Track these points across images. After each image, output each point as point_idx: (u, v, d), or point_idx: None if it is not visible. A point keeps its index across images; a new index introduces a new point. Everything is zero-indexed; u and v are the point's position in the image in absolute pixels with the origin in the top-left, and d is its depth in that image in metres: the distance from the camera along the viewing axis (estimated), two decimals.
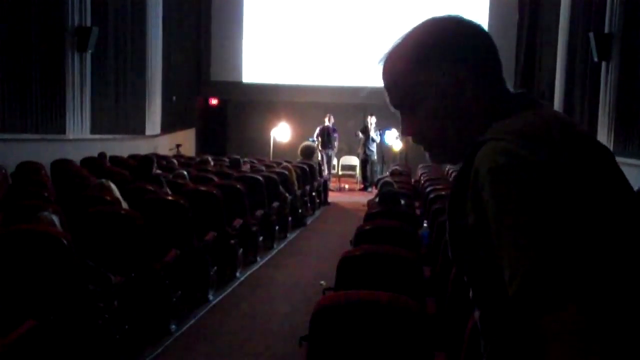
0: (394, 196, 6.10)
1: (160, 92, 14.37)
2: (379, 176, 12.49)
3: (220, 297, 5.86)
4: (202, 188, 6.69)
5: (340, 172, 15.30)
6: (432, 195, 7.33)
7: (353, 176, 15.41)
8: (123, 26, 12.47)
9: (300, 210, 9.94)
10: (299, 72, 16.52)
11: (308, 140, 13.57)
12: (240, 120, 16.92)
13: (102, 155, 9.74)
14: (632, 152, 8.95)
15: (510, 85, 1.35)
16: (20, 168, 7.96)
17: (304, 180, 10.74)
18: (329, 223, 10.55)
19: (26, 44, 9.20)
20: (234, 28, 16.76)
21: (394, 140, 14.86)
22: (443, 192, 7.58)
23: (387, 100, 1.38)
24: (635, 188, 4.37)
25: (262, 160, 12.42)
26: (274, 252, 7.97)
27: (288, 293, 6.26)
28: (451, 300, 3.41)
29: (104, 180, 5.49)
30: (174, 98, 15.44)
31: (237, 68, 16.82)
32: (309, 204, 10.88)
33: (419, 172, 12.07)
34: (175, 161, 10.71)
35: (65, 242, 3.66)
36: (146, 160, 7.36)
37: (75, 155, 9.65)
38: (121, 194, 5.37)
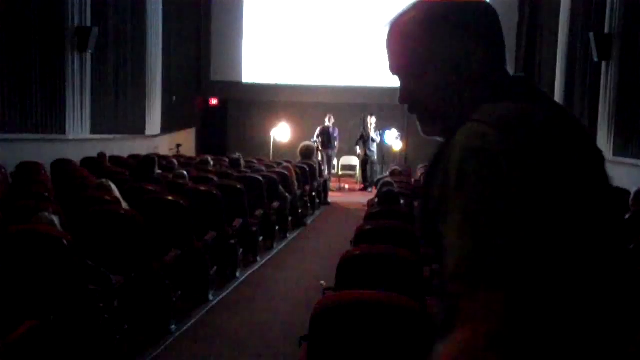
0: (394, 196, 6.10)
1: (160, 92, 14.37)
2: (379, 176, 12.49)
3: (220, 297, 5.86)
4: (202, 188, 6.69)
5: (340, 172, 15.30)
6: None
7: (353, 176, 15.41)
8: (123, 26, 12.47)
9: (300, 210, 9.94)
10: (299, 72, 16.52)
11: (310, 141, 13.57)
12: (240, 120, 16.92)
13: (102, 155, 9.74)
14: (632, 152, 8.95)
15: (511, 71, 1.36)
16: (20, 168, 7.96)
17: (304, 180, 10.74)
18: (329, 223, 10.55)
19: (26, 44, 9.20)
20: (234, 28, 16.76)
21: (394, 140, 14.85)
22: None
23: (388, 64, 1.37)
24: (635, 188, 4.34)
25: (262, 160, 12.41)
26: (274, 252, 7.97)
27: (288, 293, 6.26)
28: None
29: (104, 180, 5.49)
30: (174, 98, 15.44)
31: (237, 68, 16.81)
32: (309, 204, 10.88)
33: (419, 172, 12.07)
34: (175, 161, 10.70)
35: (65, 242, 3.65)
36: (148, 161, 7.35)
37: (75, 155, 9.65)
38: (121, 194, 5.37)
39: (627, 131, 9.23)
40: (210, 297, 5.71)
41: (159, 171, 7.80)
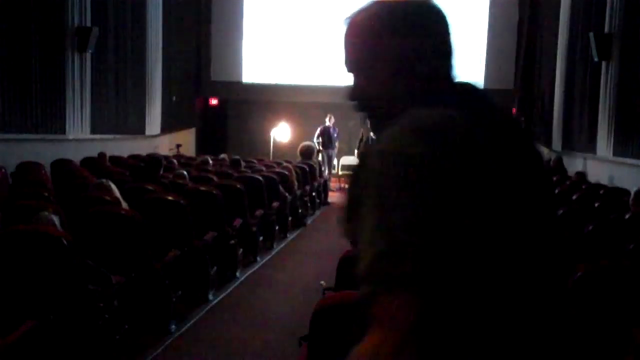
0: None
1: (160, 92, 14.37)
2: None
3: (220, 297, 5.86)
4: (202, 188, 6.69)
5: (340, 172, 15.29)
6: None
7: None
8: (123, 26, 12.47)
9: (300, 210, 9.94)
10: (299, 72, 16.52)
11: (314, 141, 13.56)
12: (240, 120, 16.91)
13: (102, 155, 9.74)
14: (632, 152, 8.94)
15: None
16: (20, 168, 7.96)
17: (304, 180, 10.74)
18: (329, 223, 10.53)
19: (26, 44, 9.19)
20: (233, 28, 16.76)
21: None
22: None
23: (343, 60, 1.43)
24: (635, 188, 4.35)
25: (262, 160, 12.41)
26: (274, 252, 7.97)
27: (288, 293, 6.26)
28: None
29: (104, 180, 5.48)
30: (174, 98, 15.44)
31: (237, 68, 16.81)
32: (309, 204, 10.88)
33: None
34: (175, 161, 10.70)
35: (65, 242, 3.65)
36: (155, 162, 7.34)
37: (75, 155, 9.65)
38: (121, 194, 5.37)
39: (627, 131, 9.23)
40: (210, 297, 5.71)
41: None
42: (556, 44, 13.27)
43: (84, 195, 5.40)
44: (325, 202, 12.30)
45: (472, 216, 1.10)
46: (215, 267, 5.87)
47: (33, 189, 5.94)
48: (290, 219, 9.23)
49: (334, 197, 13.11)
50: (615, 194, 7.38)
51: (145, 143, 13.38)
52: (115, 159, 10.18)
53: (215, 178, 8.02)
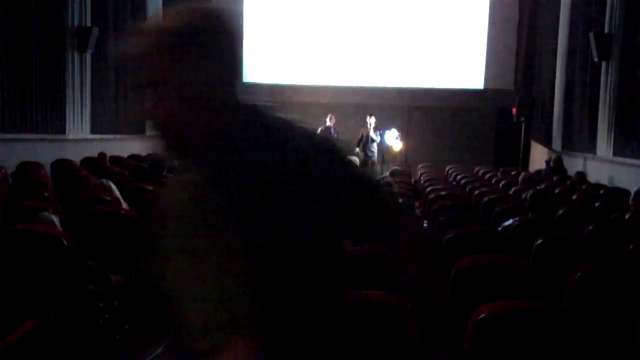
0: (394, 196, 6.09)
1: None
2: (379, 176, 12.48)
3: None
4: None
5: None
6: (432, 195, 7.33)
7: None
8: (123, 26, 12.47)
9: None
10: (299, 72, 16.52)
11: None
12: None
13: (102, 155, 9.74)
14: (632, 152, 8.95)
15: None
16: (20, 168, 7.96)
17: None
18: None
19: (26, 44, 9.20)
20: None
21: (393, 140, 14.86)
22: (443, 192, 7.59)
23: (140, 73, 1.34)
24: (635, 188, 4.34)
25: None
26: None
27: None
28: (451, 301, 3.40)
29: (104, 180, 5.48)
30: None
31: (237, 68, 16.77)
32: None
33: (419, 172, 12.07)
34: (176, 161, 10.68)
35: (65, 242, 3.65)
36: (159, 163, 7.32)
37: (75, 155, 9.65)
38: (121, 194, 5.37)
39: (627, 131, 9.23)
40: None
41: None
42: (556, 44, 13.28)
43: (84, 195, 5.40)
44: None
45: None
46: None
47: (33, 189, 5.94)
48: None
49: None
50: (615, 194, 7.38)
51: (145, 143, 13.37)
52: (115, 159, 10.18)
53: None
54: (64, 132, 10.21)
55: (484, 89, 16.02)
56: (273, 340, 1.13)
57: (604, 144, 9.99)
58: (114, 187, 5.33)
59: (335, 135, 14.52)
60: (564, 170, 10.79)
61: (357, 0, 16.40)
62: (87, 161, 9.46)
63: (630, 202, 5.60)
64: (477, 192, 7.53)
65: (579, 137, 11.72)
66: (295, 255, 1.27)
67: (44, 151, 9.17)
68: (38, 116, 9.59)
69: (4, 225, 4.24)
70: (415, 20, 16.13)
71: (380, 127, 14.48)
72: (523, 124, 14.66)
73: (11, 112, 8.97)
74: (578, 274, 3.17)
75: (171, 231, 1.13)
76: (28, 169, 7.87)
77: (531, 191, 5.03)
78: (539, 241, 3.99)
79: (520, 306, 2.60)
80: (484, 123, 16.24)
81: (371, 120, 14.29)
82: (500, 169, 11.47)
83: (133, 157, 11.01)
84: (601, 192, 7.65)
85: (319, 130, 14.31)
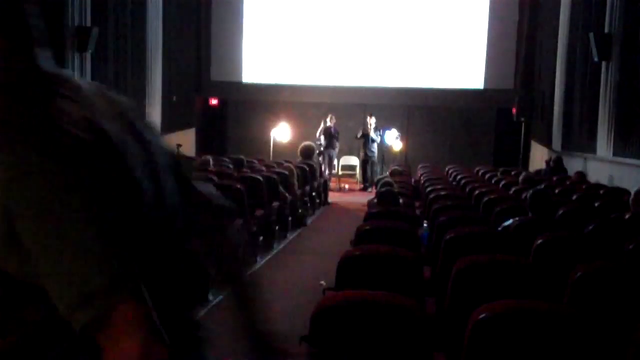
0: (393, 196, 6.10)
1: (160, 92, 14.36)
2: (378, 176, 12.49)
3: (220, 296, 5.86)
4: None
5: (340, 172, 15.30)
6: (432, 195, 7.33)
7: (353, 176, 15.41)
8: (123, 26, 12.47)
9: (300, 210, 9.94)
10: (299, 72, 16.52)
11: (316, 143, 13.57)
12: (240, 120, 16.91)
13: None
14: (632, 152, 8.95)
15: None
16: None
17: (304, 181, 10.74)
18: (329, 223, 10.55)
19: None
20: (234, 28, 16.75)
21: (393, 140, 14.87)
22: (443, 192, 7.59)
23: None
24: (636, 188, 4.34)
25: (262, 160, 12.42)
26: (274, 252, 7.97)
27: (288, 293, 6.25)
28: (451, 301, 3.41)
29: None
30: (174, 98, 15.44)
31: (237, 68, 16.81)
32: (309, 204, 10.88)
33: (419, 172, 12.08)
34: None
35: None
36: None
37: None
38: None
39: (627, 131, 9.23)
40: (210, 297, 5.71)
41: None
42: (556, 44, 13.28)
43: None
44: (325, 202, 12.30)
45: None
46: None
47: None
48: (290, 218, 9.22)
49: (334, 197, 13.12)
50: (615, 194, 7.38)
51: None
52: None
53: (215, 178, 8.02)
54: None
55: (484, 89, 16.02)
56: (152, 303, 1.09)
57: (604, 144, 9.99)
58: None
59: (336, 135, 14.55)
60: (564, 170, 10.79)
61: (357, 1, 16.40)
62: None
63: (631, 202, 5.59)
64: (477, 192, 7.53)
65: (579, 137, 11.73)
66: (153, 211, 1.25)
67: None
68: None
69: None
70: (415, 20, 16.13)
71: (380, 127, 14.48)
72: (523, 123, 14.67)
73: None
74: (578, 274, 3.17)
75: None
76: None
77: (531, 191, 5.03)
78: (539, 241, 3.99)
79: (520, 306, 2.60)
80: (484, 123, 16.25)
81: (371, 121, 14.29)
82: (500, 169, 11.47)
83: None
84: (601, 192, 7.66)
85: (318, 130, 14.36)
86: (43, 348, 1.18)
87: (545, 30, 14.77)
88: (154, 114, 14.08)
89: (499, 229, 4.88)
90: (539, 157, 14.41)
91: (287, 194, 9.16)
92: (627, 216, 5.17)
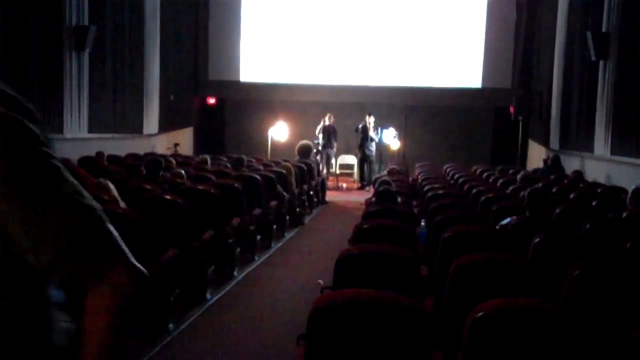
0: (391, 195, 6.10)
1: (158, 91, 14.35)
2: (376, 175, 12.49)
3: (218, 296, 5.86)
4: (200, 187, 6.68)
5: (338, 171, 15.29)
6: (430, 194, 7.34)
7: (351, 175, 15.41)
8: (121, 25, 12.46)
9: (298, 209, 9.94)
10: (296, 71, 16.52)
11: (314, 142, 13.55)
12: (238, 119, 16.91)
13: (99, 154, 9.73)
14: (629, 150, 8.96)
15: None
16: None
17: (302, 180, 10.74)
18: (327, 222, 10.55)
19: (24, 43, 9.18)
20: (231, 27, 16.74)
21: (391, 139, 14.87)
22: (441, 191, 7.60)
23: None
24: (632, 187, 4.35)
25: (260, 160, 12.41)
26: (272, 251, 7.97)
27: (286, 292, 6.26)
28: (448, 299, 3.41)
29: (102, 179, 5.48)
30: (172, 97, 15.43)
31: (235, 67, 16.80)
32: (306, 203, 10.88)
33: (417, 171, 12.08)
34: (173, 160, 10.69)
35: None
36: (155, 163, 7.32)
37: (73, 154, 9.63)
38: (119, 193, 5.37)
39: (625, 130, 9.25)
40: (208, 296, 5.71)
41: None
42: (554, 43, 13.29)
43: None
44: (323, 201, 12.30)
45: None
46: (213, 266, 5.87)
47: None
48: (288, 217, 9.23)
49: (332, 196, 13.12)
50: (612, 193, 7.39)
51: (143, 142, 13.37)
52: (113, 158, 10.17)
53: (213, 177, 8.02)
54: (61, 131, 10.20)
55: (482, 88, 16.03)
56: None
57: (601, 143, 10.00)
58: (112, 186, 5.33)
59: (334, 134, 14.53)
60: (562, 169, 10.81)
61: (356, 0, 16.41)
62: (84, 160, 9.45)
63: (628, 200, 5.61)
64: (474, 190, 7.54)
65: (577, 136, 11.74)
66: None
67: None
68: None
69: None
70: (413, 20, 16.13)
71: (378, 126, 14.48)
72: (521, 122, 14.67)
73: None
74: (575, 273, 3.18)
75: None
76: None
77: (529, 190, 5.04)
78: (537, 240, 4.00)
79: (518, 304, 2.60)
80: (482, 122, 16.26)
81: (370, 120, 14.28)
82: (498, 168, 11.48)
83: (131, 156, 11.00)
84: (598, 190, 7.67)
85: (318, 129, 14.34)
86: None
87: (542, 29, 14.78)
88: (152, 113, 14.07)
89: (497, 227, 4.88)
90: (536, 156, 14.43)
91: (284, 193, 9.16)
92: (624, 215, 5.18)
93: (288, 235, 9.03)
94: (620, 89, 9.47)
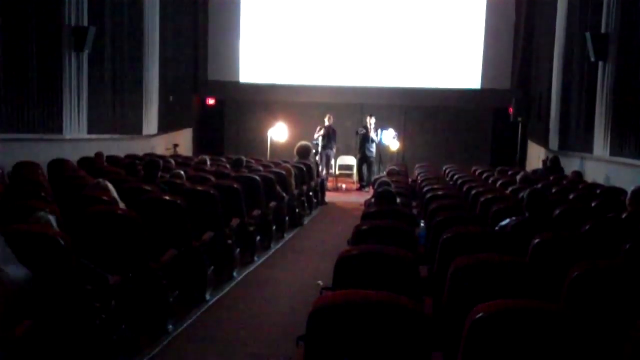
0: (391, 195, 6.10)
1: (157, 92, 14.35)
2: (376, 176, 12.48)
3: (218, 296, 5.86)
4: (200, 188, 6.68)
5: (337, 172, 15.29)
6: (429, 195, 7.33)
7: (350, 176, 15.41)
8: (120, 26, 12.45)
9: (297, 210, 9.94)
10: (296, 72, 16.52)
11: (313, 143, 13.54)
12: (238, 120, 16.91)
13: (99, 155, 9.72)
14: (629, 151, 8.96)
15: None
16: (17, 168, 7.95)
17: (301, 180, 10.74)
18: (326, 223, 10.55)
19: (23, 43, 9.18)
20: (231, 27, 16.74)
21: (391, 140, 14.86)
22: (440, 192, 7.59)
23: None
24: (633, 187, 4.36)
25: (260, 160, 12.40)
26: (271, 251, 7.97)
27: (285, 293, 6.25)
28: (448, 300, 3.41)
29: (101, 180, 5.48)
30: (171, 98, 15.42)
31: (234, 68, 16.80)
32: (306, 204, 10.88)
33: (416, 171, 12.07)
34: (172, 161, 10.69)
35: (62, 242, 3.65)
36: (152, 164, 7.32)
37: (72, 155, 9.64)
38: (118, 194, 5.37)
39: (624, 130, 9.25)
40: (208, 297, 5.71)
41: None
42: (553, 43, 13.29)
43: (81, 195, 5.40)
44: (322, 202, 12.29)
45: None
46: (212, 267, 5.87)
47: (30, 189, 5.93)
48: (287, 218, 9.22)
49: (331, 197, 13.12)
50: (612, 194, 7.39)
51: (143, 143, 13.37)
52: (112, 159, 10.17)
53: (212, 178, 8.01)
54: (60, 132, 10.19)
55: (481, 88, 16.03)
56: None
57: (600, 144, 10.00)
58: (111, 187, 5.33)
59: (333, 135, 14.51)
60: (561, 170, 10.80)
61: (355, 1, 16.40)
62: (84, 161, 9.45)
63: (627, 201, 5.61)
64: (474, 191, 7.53)
65: (576, 137, 11.74)
66: None
67: (40, 151, 9.16)
68: (35, 116, 9.57)
69: (1, 225, 4.22)
70: (412, 20, 16.13)
71: (377, 127, 14.47)
72: (520, 123, 14.68)
73: (8, 112, 8.95)
74: (575, 274, 3.17)
75: None
76: (25, 168, 7.85)
77: (528, 191, 5.03)
78: (536, 241, 3.99)
79: (517, 305, 2.60)
80: (481, 123, 16.27)
81: (371, 121, 14.27)
82: (497, 169, 11.48)
83: (130, 157, 10.99)
84: (598, 191, 7.66)
85: (318, 129, 14.32)
86: None
87: (542, 30, 14.79)
88: (151, 113, 14.07)
89: (496, 228, 4.88)
90: (535, 156, 14.43)
91: (284, 194, 9.16)
92: (623, 215, 5.18)
93: (287, 236, 9.03)
94: (619, 89, 9.47)
